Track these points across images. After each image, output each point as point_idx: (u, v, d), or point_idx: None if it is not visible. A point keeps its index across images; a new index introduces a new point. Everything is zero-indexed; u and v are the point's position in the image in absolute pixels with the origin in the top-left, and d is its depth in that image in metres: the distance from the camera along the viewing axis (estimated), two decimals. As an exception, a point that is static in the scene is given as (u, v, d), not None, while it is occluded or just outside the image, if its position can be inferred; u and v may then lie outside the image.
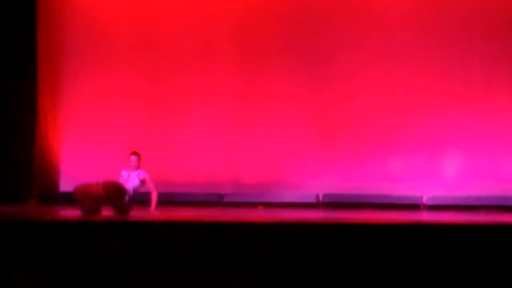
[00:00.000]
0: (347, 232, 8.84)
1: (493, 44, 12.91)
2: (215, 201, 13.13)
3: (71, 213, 11.23)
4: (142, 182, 11.10)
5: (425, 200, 12.80)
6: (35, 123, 13.31)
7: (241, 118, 13.51)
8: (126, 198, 10.91)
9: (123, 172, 11.18)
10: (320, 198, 13.08)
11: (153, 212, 10.95)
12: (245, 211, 11.99)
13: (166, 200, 12.79)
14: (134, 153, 11.30)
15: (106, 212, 10.63)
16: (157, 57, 13.71)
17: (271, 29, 13.52)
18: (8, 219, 9.65)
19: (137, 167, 11.15)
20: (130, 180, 11.03)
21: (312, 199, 13.06)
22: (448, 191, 12.82)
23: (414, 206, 12.67)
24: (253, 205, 12.97)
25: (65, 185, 13.42)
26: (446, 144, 12.99)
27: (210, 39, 13.61)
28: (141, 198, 12.72)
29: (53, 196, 13.40)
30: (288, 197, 13.09)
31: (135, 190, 11.02)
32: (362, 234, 8.79)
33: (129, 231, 8.90)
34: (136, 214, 10.78)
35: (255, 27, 13.55)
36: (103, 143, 13.44)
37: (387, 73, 13.19)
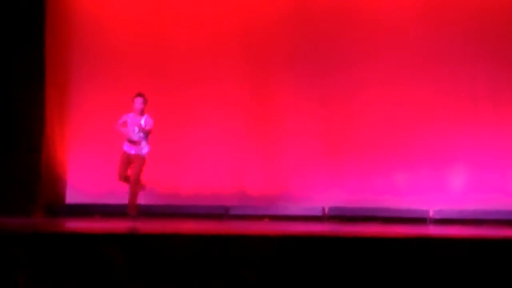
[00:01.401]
0: (353, 245, 8.77)
1: (499, 59, 12.99)
2: (221, 213, 13.06)
3: (78, 225, 11.47)
4: (146, 131, 11.07)
5: (431, 213, 12.75)
6: (42, 134, 13.12)
7: (247, 130, 13.46)
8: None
9: (125, 118, 11.22)
10: (326, 211, 13.01)
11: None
12: (251, 224, 11.97)
13: (172, 212, 12.98)
14: (139, 94, 11.10)
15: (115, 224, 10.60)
16: (165, 69, 13.56)
17: (278, 41, 13.49)
18: (14, 230, 9.62)
19: (143, 112, 11.10)
20: (132, 124, 11.16)
21: (318, 212, 12.98)
22: (454, 204, 12.80)
23: (420, 220, 12.59)
24: (259, 218, 12.87)
25: (72, 197, 13.45)
26: (452, 158, 13.00)
27: (217, 51, 13.56)
28: (148, 210, 12.98)
29: (59, 208, 13.28)
30: (294, 210, 13.03)
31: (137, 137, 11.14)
32: (368, 247, 8.72)
33: (134, 243, 8.79)
34: (141, 226, 10.80)
35: (262, 40, 13.50)
36: (110, 154, 13.10)
37: (394, 87, 13.17)
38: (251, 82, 13.57)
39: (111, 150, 13.15)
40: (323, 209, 13.05)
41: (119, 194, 12.41)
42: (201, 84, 13.50)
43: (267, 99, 13.52)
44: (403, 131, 13.13)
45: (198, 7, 13.68)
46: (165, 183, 13.38)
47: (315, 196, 13.14)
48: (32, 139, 13.06)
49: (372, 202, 12.94)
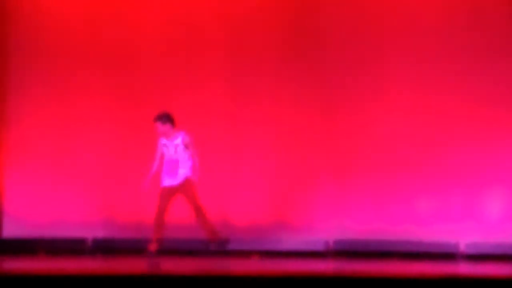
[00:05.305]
0: (363, 288, 8.42)
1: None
2: (200, 249, 12.03)
3: (18, 264, 10.97)
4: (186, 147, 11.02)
5: (462, 247, 12.06)
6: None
7: (233, 148, 12.60)
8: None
9: (163, 141, 11.03)
10: (331, 245, 12.36)
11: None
12: (236, 261, 11.26)
13: (137, 247, 11.95)
14: (157, 117, 10.97)
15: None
16: (131, 74, 12.78)
17: (271, 42, 12.64)
18: None
19: (171, 133, 10.98)
20: (174, 150, 10.98)
21: (320, 247, 12.34)
22: (490, 236, 12.02)
23: (448, 255, 11.96)
24: (246, 254, 12.11)
25: (9, 230, 12.82)
26: (487, 181, 12.15)
27: (195, 50, 12.72)
28: (112, 245, 12.44)
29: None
30: (290, 244, 12.36)
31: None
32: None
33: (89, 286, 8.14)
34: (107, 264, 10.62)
35: (251, 38, 12.68)
36: (55, 180, 12.73)
37: (412, 96, 12.37)
38: (237, 91, 12.74)
39: (57, 174, 12.82)
40: (327, 242, 12.39)
41: (66, 226, 12.30)
42: (177, 94, 12.67)
43: (258, 110, 12.69)
44: (425, 149, 12.31)
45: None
46: (130, 214, 12.58)
47: (317, 226, 12.45)
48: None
49: (387, 233, 12.26)
